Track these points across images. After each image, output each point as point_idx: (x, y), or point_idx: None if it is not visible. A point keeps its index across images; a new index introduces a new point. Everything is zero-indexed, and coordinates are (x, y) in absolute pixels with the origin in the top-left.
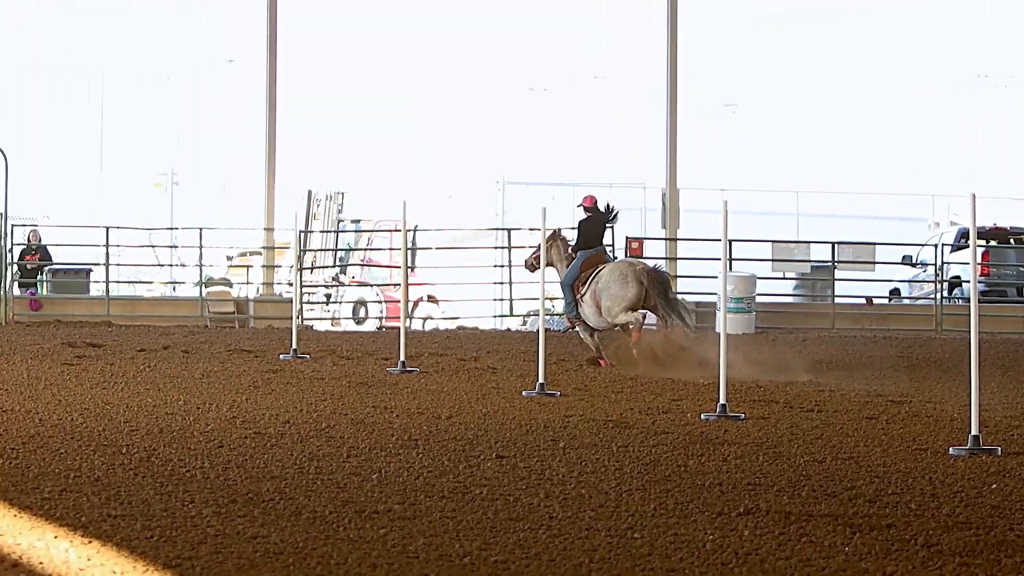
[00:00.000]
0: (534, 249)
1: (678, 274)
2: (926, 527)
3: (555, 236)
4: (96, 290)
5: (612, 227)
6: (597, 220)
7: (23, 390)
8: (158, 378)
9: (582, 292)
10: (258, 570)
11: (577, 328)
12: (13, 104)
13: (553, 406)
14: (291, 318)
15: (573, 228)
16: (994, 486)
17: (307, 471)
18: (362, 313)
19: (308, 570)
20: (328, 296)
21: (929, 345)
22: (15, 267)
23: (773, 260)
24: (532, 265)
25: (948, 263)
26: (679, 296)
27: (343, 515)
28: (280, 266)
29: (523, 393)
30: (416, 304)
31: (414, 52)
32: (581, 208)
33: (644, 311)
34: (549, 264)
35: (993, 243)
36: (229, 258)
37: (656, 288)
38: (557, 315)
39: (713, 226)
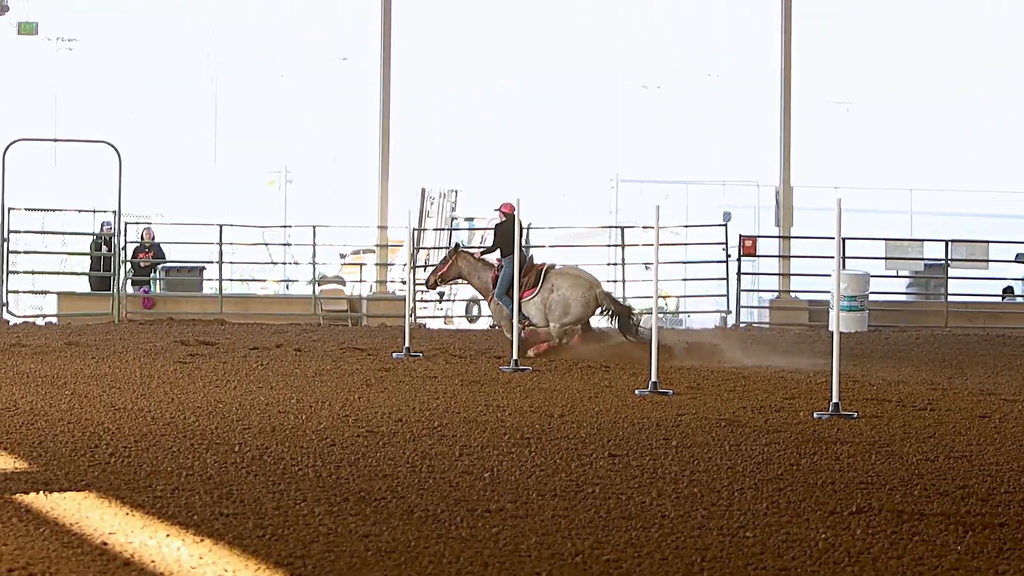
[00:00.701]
0: (435, 267)
1: (791, 271)
2: None
3: (457, 251)
4: (209, 288)
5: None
6: (512, 227)
7: (136, 388)
8: (270, 376)
9: (530, 296)
10: (370, 569)
11: (502, 327)
12: (127, 101)
13: (666, 404)
14: (404, 316)
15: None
16: None
17: (419, 469)
18: (475, 311)
19: (420, 569)
20: (441, 294)
21: None
22: (128, 265)
23: (886, 258)
24: (435, 283)
25: None
26: (638, 317)
27: (455, 514)
28: (393, 264)
29: (636, 391)
30: None
31: (528, 50)
32: (499, 213)
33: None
34: (459, 277)
35: None
36: (342, 256)
37: (618, 317)
38: (671, 313)
39: (826, 224)
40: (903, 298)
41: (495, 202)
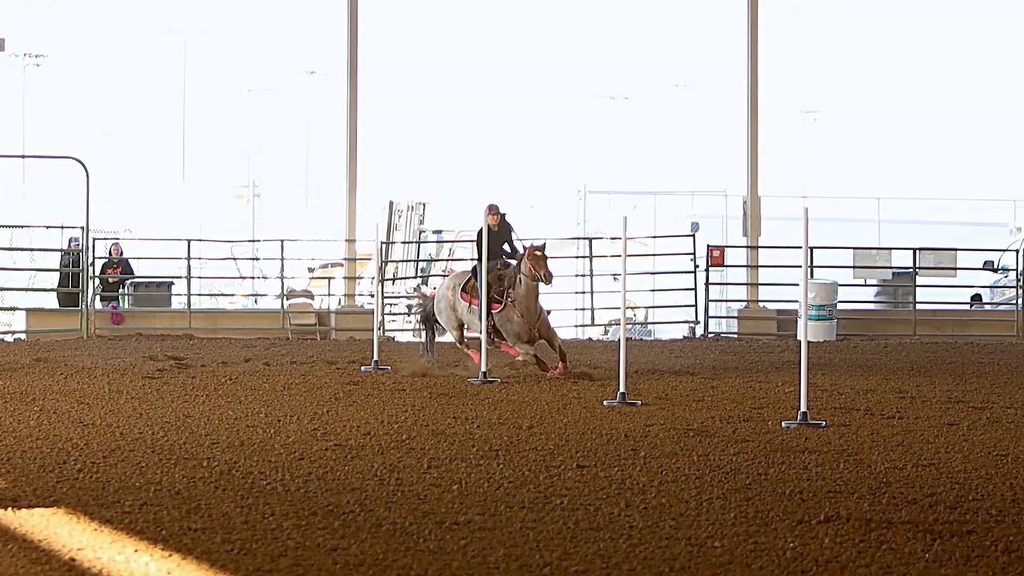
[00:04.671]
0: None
1: (759, 281)
2: (1007, 533)
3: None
4: (178, 303)
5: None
6: (490, 234)
7: (104, 404)
8: (239, 390)
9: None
10: None
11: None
12: (95, 117)
13: (634, 415)
14: (372, 329)
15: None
16: None
17: (387, 482)
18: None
19: None
20: (410, 307)
21: (1010, 351)
22: (97, 281)
23: (854, 267)
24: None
25: None
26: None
27: (423, 526)
28: (362, 277)
29: (604, 403)
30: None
31: (495, 62)
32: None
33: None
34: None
35: None
36: (311, 270)
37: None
38: (639, 324)
39: (794, 233)
40: (871, 307)
41: (463, 215)
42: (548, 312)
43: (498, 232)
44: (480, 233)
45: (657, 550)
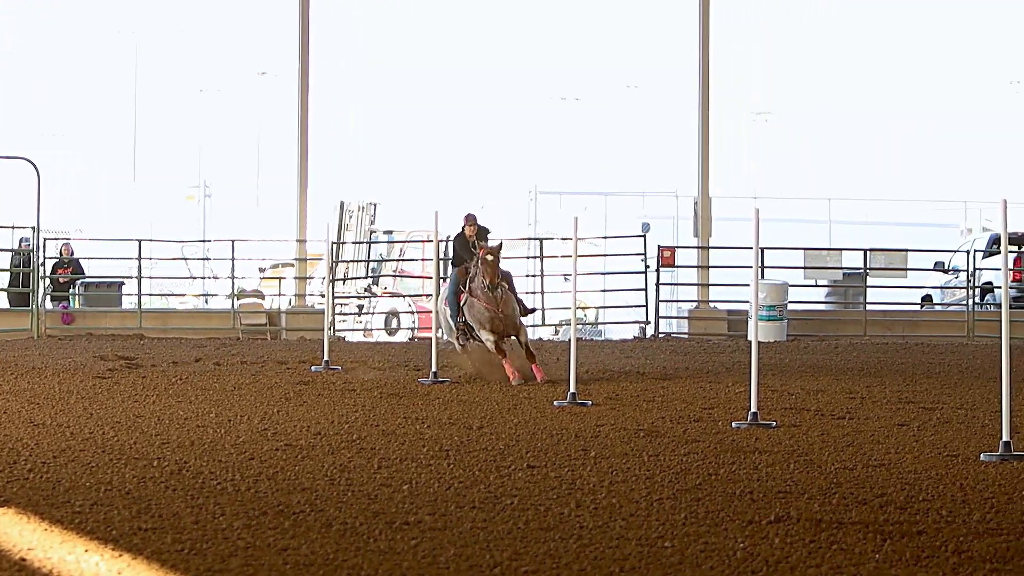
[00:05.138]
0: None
1: (710, 282)
2: (957, 534)
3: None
4: (128, 303)
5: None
6: (465, 240)
7: (55, 403)
8: (190, 391)
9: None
10: None
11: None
12: (46, 117)
13: (584, 416)
14: (323, 329)
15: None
16: None
17: (338, 483)
18: (394, 324)
19: None
20: (360, 307)
21: (961, 351)
22: (47, 281)
23: (805, 268)
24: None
25: (980, 269)
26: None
27: (374, 526)
28: (312, 278)
29: (554, 403)
30: None
31: (446, 62)
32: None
33: None
34: None
35: None
36: (261, 270)
37: None
38: (590, 324)
39: (745, 234)
40: (822, 307)
41: (414, 215)
42: (519, 312)
43: (475, 243)
44: (457, 239)
45: (607, 550)
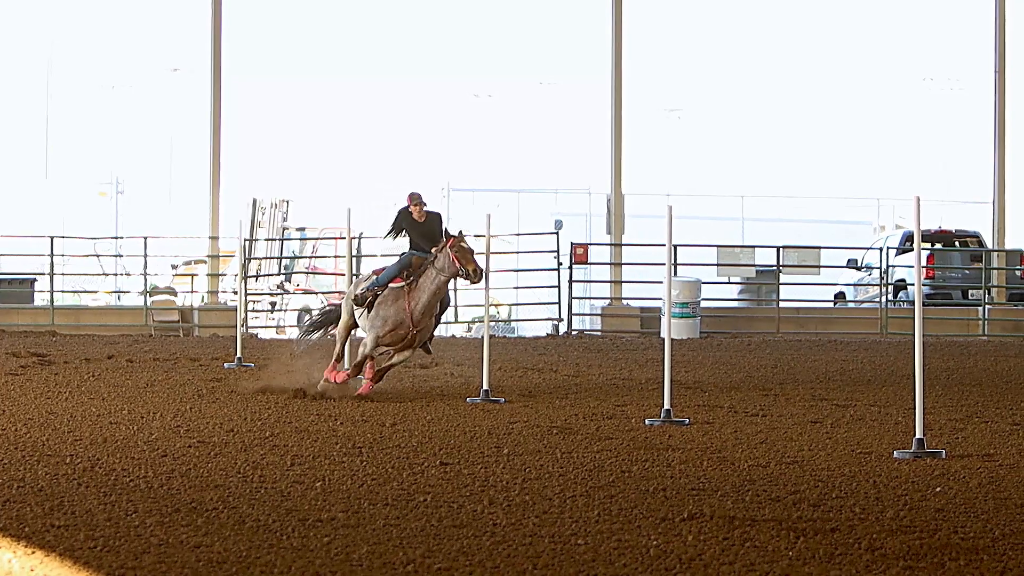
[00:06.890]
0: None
1: (623, 279)
2: (870, 531)
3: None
4: (40, 300)
5: None
6: (412, 219)
7: None
8: (102, 388)
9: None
10: None
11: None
12: None
13: (497, 412)
14: (236, 326)
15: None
16: (938, 489)
17: (251, 480)
18: (307, 321)
19: None
20: (273, 304)
21: (874, 349)
22: None
23: (718, 265)
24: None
25: (893, 266)
26: None
27: (287, 524)
28: (225, 274)
29: (467, 400)
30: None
31: (359, 58)
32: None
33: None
34: None
35: (938, 246)
36: (174, 267)
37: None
38: (503, 321)
39: (658, 231)
40: (735, 304)
41: (326, 212)
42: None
43: (425, 225)
44: (404, 217)
45: (521, 547)
